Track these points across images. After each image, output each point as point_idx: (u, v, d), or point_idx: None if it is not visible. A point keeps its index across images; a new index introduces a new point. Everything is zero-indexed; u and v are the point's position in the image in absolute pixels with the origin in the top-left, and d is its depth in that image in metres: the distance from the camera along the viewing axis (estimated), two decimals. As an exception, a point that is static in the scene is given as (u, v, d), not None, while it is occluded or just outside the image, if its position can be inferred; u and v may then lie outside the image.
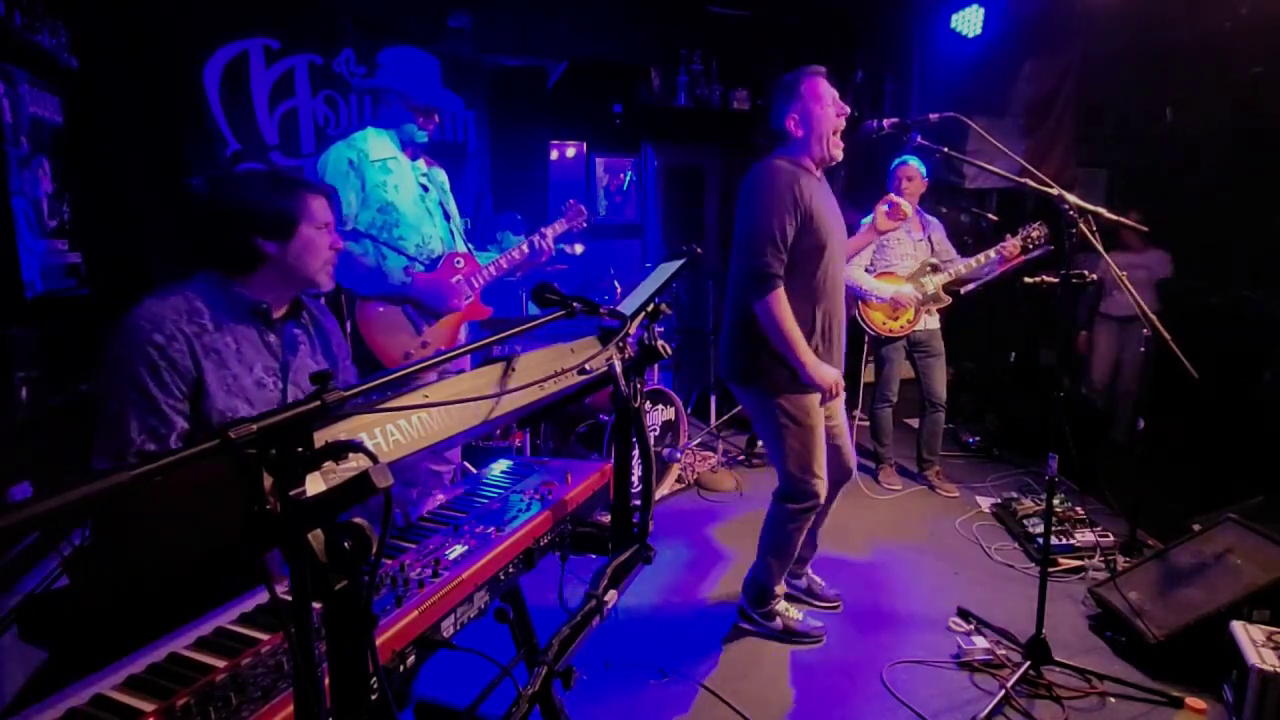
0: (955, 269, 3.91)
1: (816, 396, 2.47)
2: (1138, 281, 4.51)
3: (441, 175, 2.76)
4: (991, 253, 3.81)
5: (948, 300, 3.95)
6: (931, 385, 4.04)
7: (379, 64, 2.59)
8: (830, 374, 2.41)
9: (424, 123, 2.56)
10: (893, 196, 2.65)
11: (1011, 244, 3.77)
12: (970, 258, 3.89)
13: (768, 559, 2.64)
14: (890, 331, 3.97)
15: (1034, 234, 3.73)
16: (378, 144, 2.50)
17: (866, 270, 3.96)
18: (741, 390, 2.57)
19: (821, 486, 2.51)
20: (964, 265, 3.89)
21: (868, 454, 4.37)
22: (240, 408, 1.48)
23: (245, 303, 1.53)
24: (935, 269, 3.94)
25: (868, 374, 4.23)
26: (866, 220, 2.91)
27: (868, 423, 4.33)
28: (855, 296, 3.91)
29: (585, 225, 3.00)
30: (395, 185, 2.50)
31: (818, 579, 2.95)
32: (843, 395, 2.70)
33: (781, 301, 2.35)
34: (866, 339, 4.02)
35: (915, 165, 3.82)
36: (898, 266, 3.95)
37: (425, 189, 2.63)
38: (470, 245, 2.87)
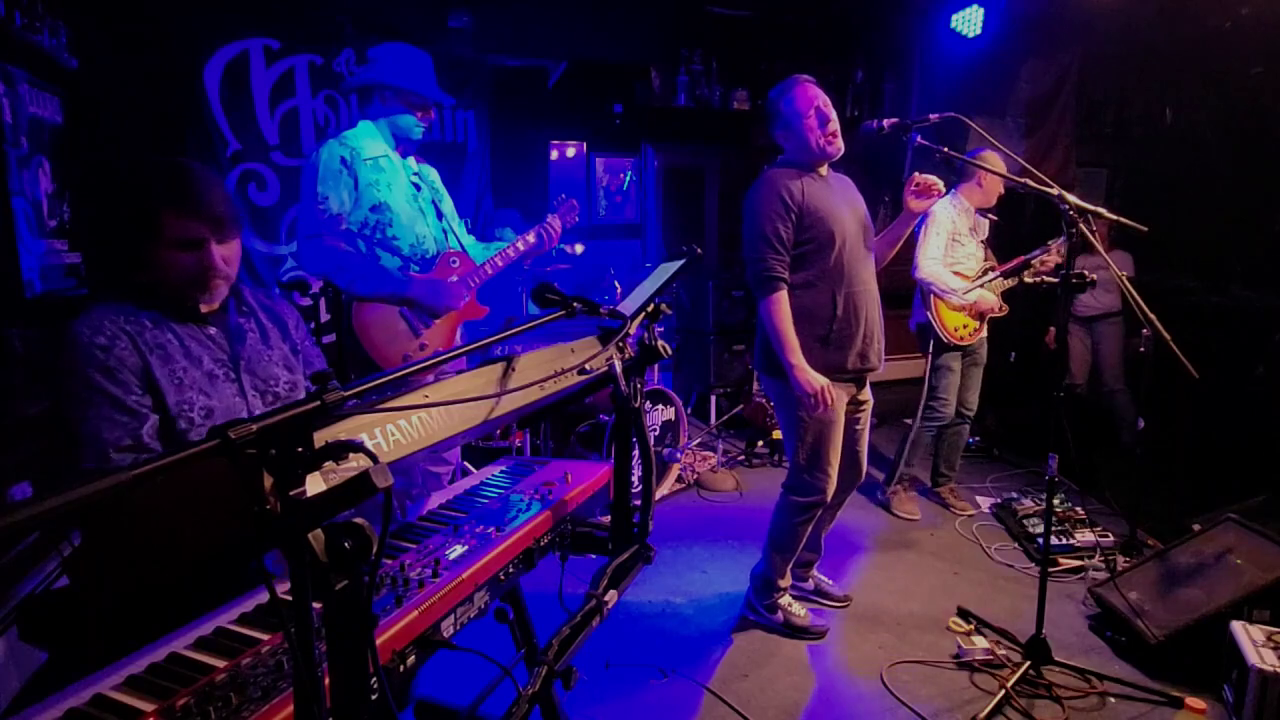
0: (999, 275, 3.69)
1: (840, 394, 2.49)
2: (1102, 281, 4.50)
3: (433, 173, 2.74)
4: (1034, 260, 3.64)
5: (1005, 309, 3.70)
6: (968, 394, 3.80)
7: (370, 59, 2.55)
8: (816, 381, 2.39)
9: (421, 117, 2.54)
10: (918, 175, 2.47)
11: (1050, 254, 3.57)
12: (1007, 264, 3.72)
13: (771, 551, 2.69)
14: (960, 339, 3.65)
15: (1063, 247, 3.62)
16: (370, 143, 2.48)
17: None
18: (769, 380, 2.62)
19: (829, 484, 2.55)
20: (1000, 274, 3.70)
21: (882, 462, 4.19)
22: (196, 400, 1.45)
23: (171, 301, 1.49)
24: (991, 272, 3.72)
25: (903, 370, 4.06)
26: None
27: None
28: (932, 293, 3.59)
29: (577, 220, 2.98)
30: (388, 184, 2.48)
31: (825, 579, 2.97)
32: (871, 401, 2.70)
33: (780, 304, 2.41)
34: (932, 342, 3.68)
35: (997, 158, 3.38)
36: (963, 265, 3.68)
37: (417, 188, 2.61)
38: (474, 237, 2.87)
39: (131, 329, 1.41)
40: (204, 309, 1.52)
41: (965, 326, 3.67)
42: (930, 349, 3.68)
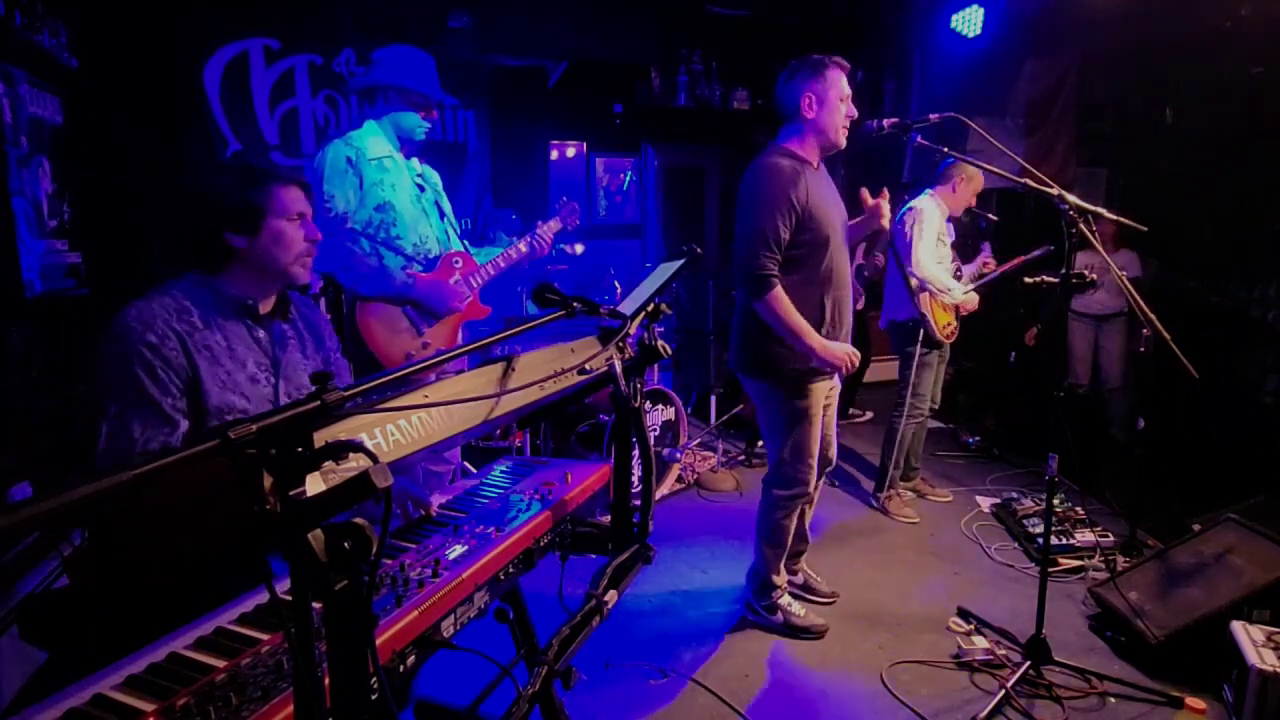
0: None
1: (822, 388, 2.52)
2: (1108, 283, 4.53)
3: (435, 175, 2.75)
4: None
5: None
6: (936, 390, 3.88)
7: (374, 61, 2.56)
8: (840, 349, 2.43)
9: (425, 116, 2.55)
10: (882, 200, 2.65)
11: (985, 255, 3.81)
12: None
13: (762, 548, 2.72)
14: (947, 337, 3.74)
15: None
16: (375, 143, 2.49)
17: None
18: (749, 380, 2.62)
19: (811, 475, 2.59)
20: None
21: (869, 467, 4.23)
22: (235, 402, 1.47)
23: (231, 300, 1.53)
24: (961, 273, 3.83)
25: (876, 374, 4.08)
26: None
27: (866, 415, 4.25)
28: (926, 291, 3.59)
29: (578, 223, 2.98)
30: (392, 184, 2.49)
31: (813, 575, 2.97)
32: (838, 387, 2.72)
33: (780, 299, 2.40)
34: (922, 335, 3.67)
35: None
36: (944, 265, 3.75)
37: (421, 189, 2.62)
38: (466, 243, 2.87)
39: (182, 328, 1.43)
40: (262, 309, 1.57)
41: (949, 325, 3.73)
42: (919, 344, 3.66)
